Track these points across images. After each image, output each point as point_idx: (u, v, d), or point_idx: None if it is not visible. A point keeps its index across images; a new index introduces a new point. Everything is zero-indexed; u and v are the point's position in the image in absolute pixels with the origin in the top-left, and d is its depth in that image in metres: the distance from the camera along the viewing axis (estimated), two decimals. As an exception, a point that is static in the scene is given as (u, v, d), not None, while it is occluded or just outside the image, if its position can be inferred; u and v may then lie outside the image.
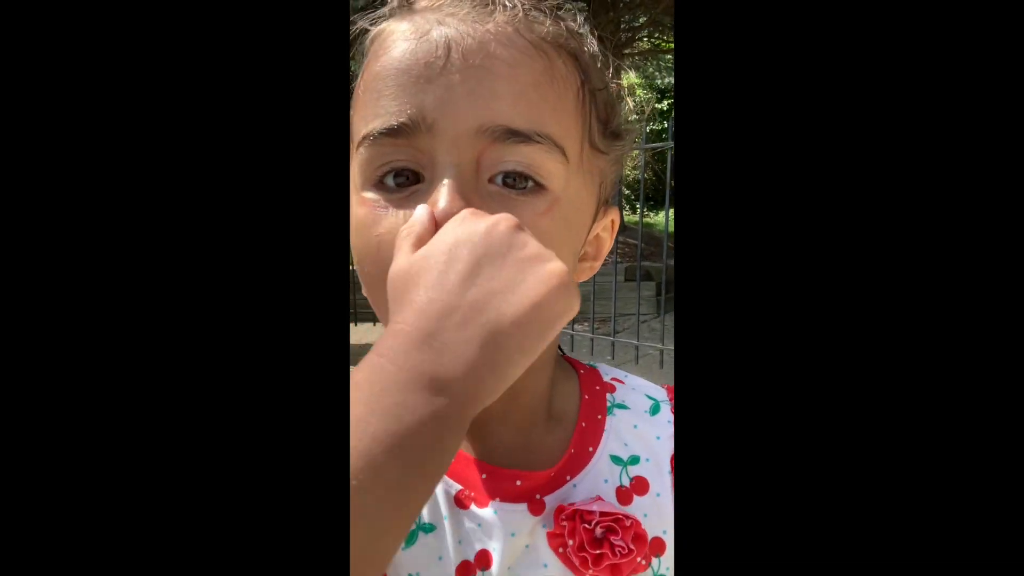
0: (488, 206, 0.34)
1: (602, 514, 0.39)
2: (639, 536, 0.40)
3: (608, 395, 0.47)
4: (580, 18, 0.41)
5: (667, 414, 0.46)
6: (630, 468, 0.43)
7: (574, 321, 3.73)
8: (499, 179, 0.36)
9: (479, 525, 0.39)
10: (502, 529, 0.39)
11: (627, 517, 0.40)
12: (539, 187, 0.36)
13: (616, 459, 0.43)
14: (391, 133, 0.35)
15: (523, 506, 0.40)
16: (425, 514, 0.40)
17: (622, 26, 6.01)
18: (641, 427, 0.45)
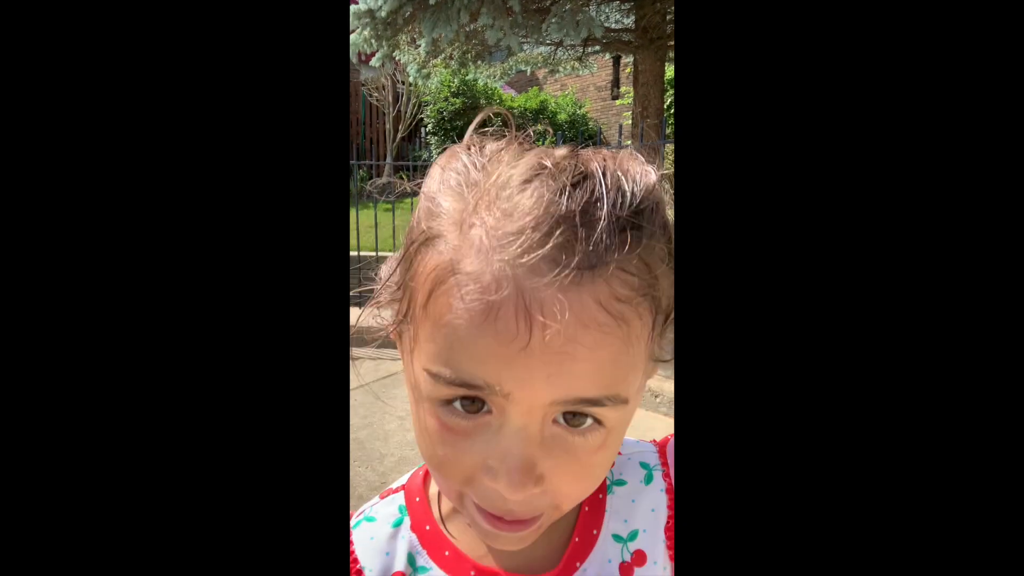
0: (548, 451, 0.36)
1: None
2: None
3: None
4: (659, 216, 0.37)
5: (659, 482, 0.48)
6: (630, 544, 0.46)
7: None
8: (561, 417, 0.36)
9: None
10: None
11: None
12: (597, 424, 0.37)
13: (617, 537, 0.46)
14: (467, 386, 0.35)
15: None
16: None
17: (668, 17, 5.92)
18: (638, 500, 0.48)
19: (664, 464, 0.49)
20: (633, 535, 0.46)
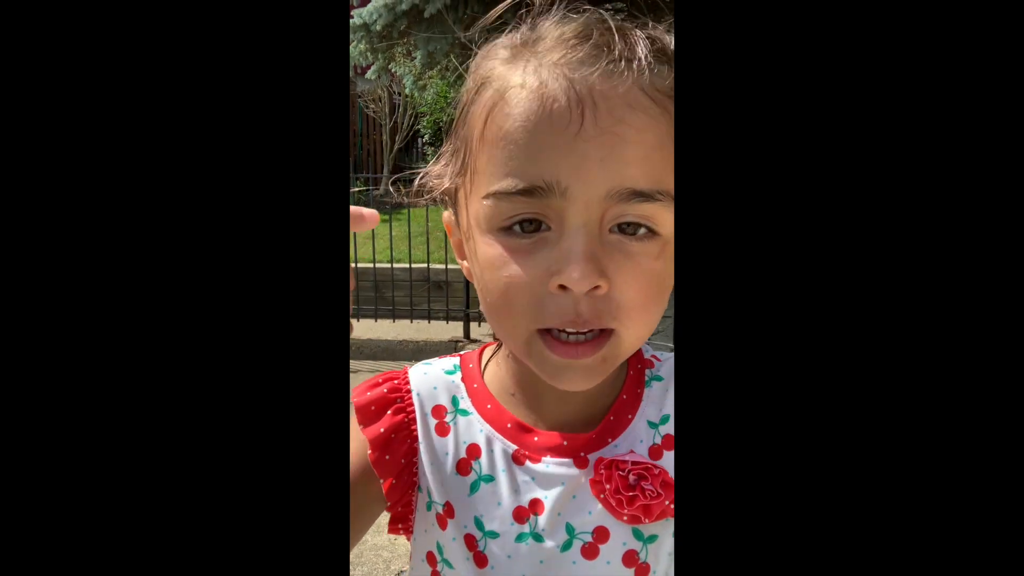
0: (609, 254, 0.40)
1: (633, 463, 0.46)
2: (667, 483, 0.46)
3: (647, 370, 0.53)
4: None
5: None
6: (661, 428, 0.50)
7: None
8: (616, 227, 0.40)
9: (532, 478, 0.47)
10: (552, 480, 0.46)
11: (655, 466, 0.46)
12: (652, 233, 0.41)
13: (651, 424, 0.50)
14: (526, 193, 0.39)
15: (569, 461, 0.47)
16: (485, 467, 0.47)
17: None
18: (672, 389, 0.52)
19: None
20: (665, 419, 0.50)
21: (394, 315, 4.49)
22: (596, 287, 0.39)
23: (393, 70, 5.54)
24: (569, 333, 0.41)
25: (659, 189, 0.39)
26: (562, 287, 0.39)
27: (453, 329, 4.39)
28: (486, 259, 0.42)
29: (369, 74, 5.36)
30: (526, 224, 0.40)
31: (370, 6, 4.46)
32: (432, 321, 4.46)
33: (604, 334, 0.42)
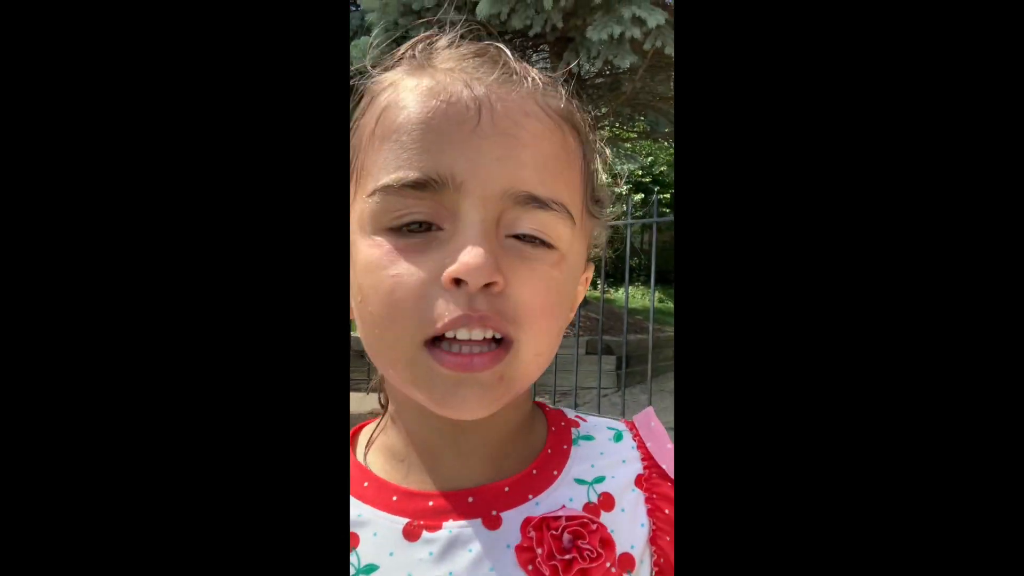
0: (505, 256, 0.37)
1: (568, 518, 0.39)
2: (606, 541, 0.40)
3: (573, 429, 0.48)
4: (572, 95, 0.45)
5: (630, 441, 0.48)
6: (596, 486, 0.44)
7: (535, 393, 3.71)
8: (511, 237, 0.38)
9: (431, 552, 0.39)
10: (457, 547, 0.39)
11: (592, 521, 0.40)
12: (548, 246, 0.39)
13: (581, 480, 0.44)
14: (418, 186, 0.36)
15: (478, 521, 0.40)
16: (366, 556, 0.39)
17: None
18: (607, 453, 0.46)
19: (634, 432, 0.49)
20: (599, 479, 0.44)
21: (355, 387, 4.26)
22: (492, 283, 0.36)
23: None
24: (462, 343, 0.37)
25: (555, 199, 0.38)
26: (456, 282, 0.35)
27: (372, 401, 4.20)
28: (369, 261, 0.37)
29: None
30: (415, 226, 0.37)
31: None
32: (352, 392, 4.25)
33: (501, 347, 0.38)
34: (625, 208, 3.52)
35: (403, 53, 0.43)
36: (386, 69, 0.43)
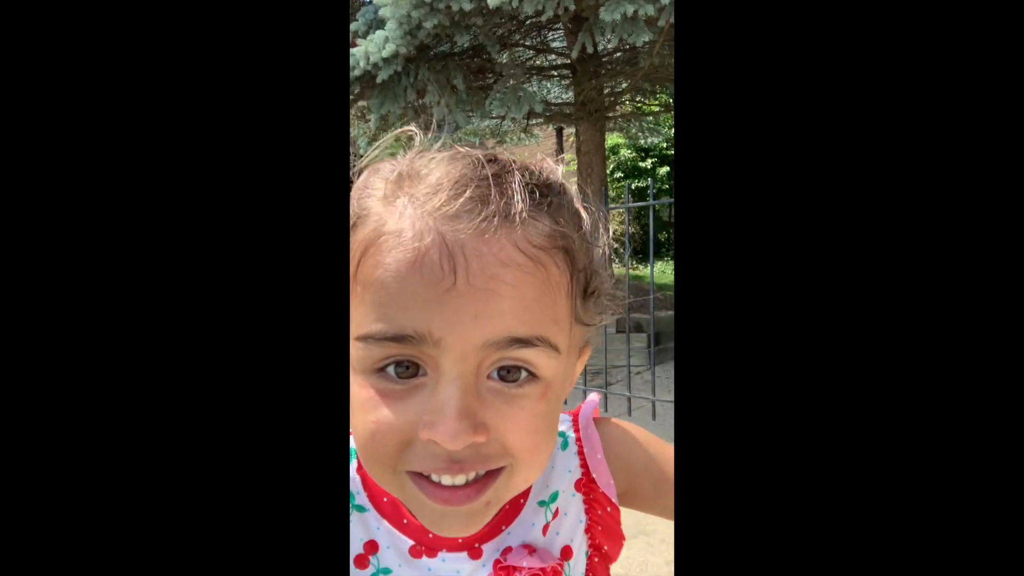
0: (490, 404, 0.38)
1: (528, 568, 0.47)
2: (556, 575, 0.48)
3: None
4: (567, 195, 0.43)
5: (572, 446, 0.53)
6: (552, 505, 0.51)
7: (566, 374, 3.77)
8: (495, 373, 0.38)
9: (430, 569, 0.48)
10: (449, 571, 0.48)
11: (544, 569, 0.47)
12: (532, 377, 0.39)
13: (542, 503, 0.51)
14: (398, 340, 0.37)
15: (464, 554, 0.48)
16: (384, 561, 0.48)
17: (605, 91, 6.31)
18: (556, 465, 0.52)
19: (576, 430, 0.53)
20: (554, 496, 0.51)
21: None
22: (472, 443, 0.37)
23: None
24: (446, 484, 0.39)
25: (537, 335, 0.38)
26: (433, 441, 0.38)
27: None
28: (356, 401, 0.39)
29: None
30: (400, 368, 0.38)
31: (324, 72, 4.58)
32: None
33: (490, 475, 0.40)
34: (649, 183, 3.52)
35: (382, 147, 0.45)
36: (371, 172, 0.43)
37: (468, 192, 0.37)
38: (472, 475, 0.39)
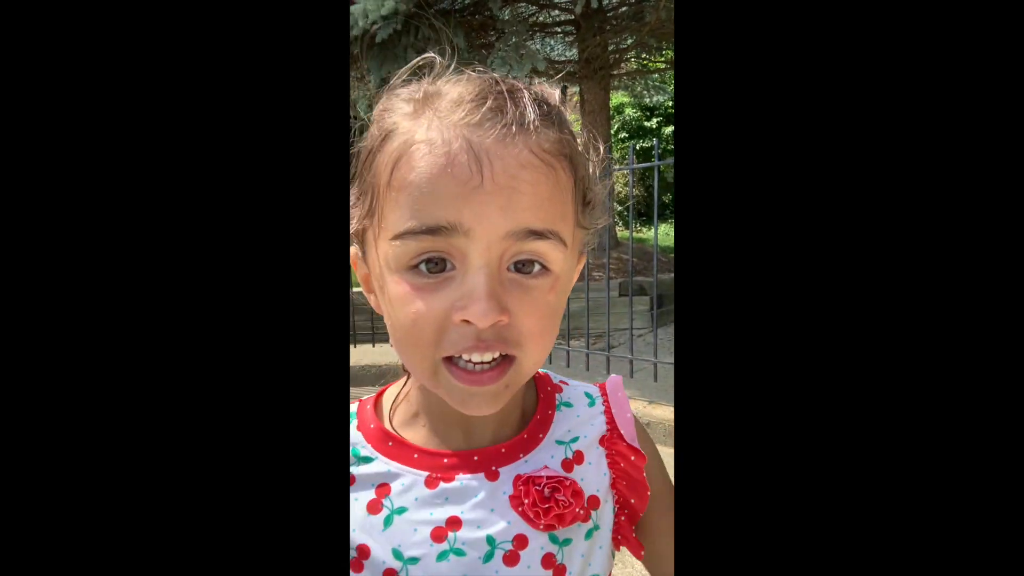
0: (508, 290, 0.45)
1: (548, 478, 0.51)
2: (577, 492, 0.51)
3: (557, 395, 0.59)
4: (567, 109, 0.49)
5: (600, 406, 0.59)
6: (572, 445, 0.56)
7: (570, 337, 3.80)
8: (513, 266, 0.45)
9: (447, 498, 0.51)
10: (467, 494, 0.51)
11: (566, 478, 0.52)
12: (545, 270, 0.46)
13: (560, 442, 0.56)
14: (432, 232, 0.43)
15: (481, 475, 0.52)
16: (397, 501, 0.51)
17: (610, 48, 6.15)
18: (582, 416, 0.58)
19: (604, 397, 0.60)
20: (575, 439, 0.56)
21: (355, 340, 4.44)
22: (498, 321, 0.44)
23: (347, 94, 5.54)
24: (474, 363, 0.46)
25: (550, 228, 0.45)
26: (465, 321, 0.44)
27: (371, 354, 4.35)
28: (395, 296, 0.46)
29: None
30: (431, 264, 0.44)
31: (322, 31, 4.48)
32: (356, 346, 4.41)
33: (505, 362, 0.47)
34: (655, 143, 3.46)
35: (402, 76, 0.49)
36: (391, 111, 0.48)
37: (488, 104, 0.44)
38: (495, 356, 0.46)
